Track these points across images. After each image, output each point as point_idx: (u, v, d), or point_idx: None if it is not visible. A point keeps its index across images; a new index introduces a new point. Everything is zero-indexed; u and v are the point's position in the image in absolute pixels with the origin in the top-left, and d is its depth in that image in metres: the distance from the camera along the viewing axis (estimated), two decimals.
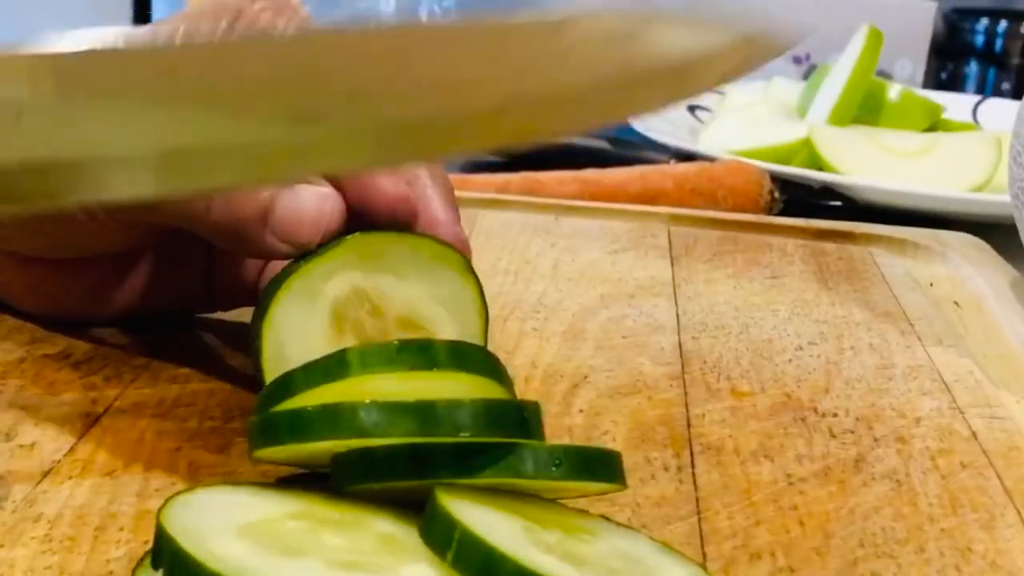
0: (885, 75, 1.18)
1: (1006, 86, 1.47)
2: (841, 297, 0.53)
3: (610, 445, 0.37)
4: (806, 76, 1.12)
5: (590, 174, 0.71)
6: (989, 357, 0.47)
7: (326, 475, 0.29)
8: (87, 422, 0.36)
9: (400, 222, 0.37)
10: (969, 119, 1.01)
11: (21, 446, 0.34)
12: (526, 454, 0.27)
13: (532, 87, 0.31)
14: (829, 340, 0.48)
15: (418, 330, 0.35)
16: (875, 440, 0.39)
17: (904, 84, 0.97)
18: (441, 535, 0.25)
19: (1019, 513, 0.35)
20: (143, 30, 0.38)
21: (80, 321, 0.43)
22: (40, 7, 1.33)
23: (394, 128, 0.30)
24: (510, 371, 0.42)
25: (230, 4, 0.38)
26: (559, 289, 0.51)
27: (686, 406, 0.40)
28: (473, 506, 0.26)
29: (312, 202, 0.35)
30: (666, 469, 0.36)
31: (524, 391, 0.41)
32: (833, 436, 0.39)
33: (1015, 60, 1.47)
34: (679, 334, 0.47)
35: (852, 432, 0.39)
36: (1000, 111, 1.01)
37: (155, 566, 0.25)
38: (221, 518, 0.26)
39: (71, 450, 0.34)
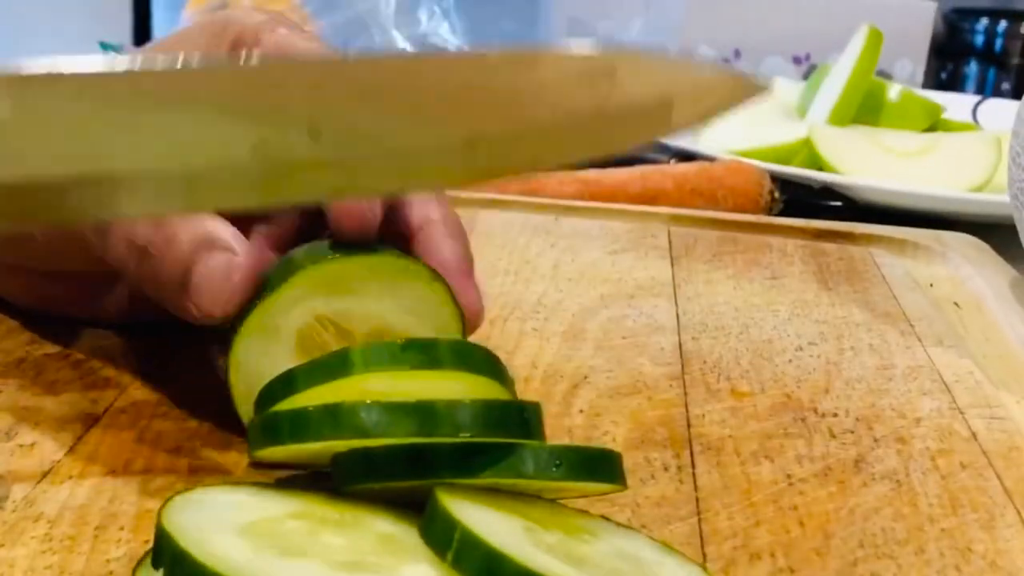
0: (885, 75, 1.18)
1: (1006, 86, 1.47)
2: (841, 297, 0.53)
3: (610, 445, 0.37)
4: (806, 76, 1.12)
5: (590, 174, 0.71)
6: (989, 357, 0.47)
7: (326, 475, 0.29)
8: (87, 422, 0.36)
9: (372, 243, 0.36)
10: (969, 119, 1.01)
11: (21, 446, 0.34)
12: (527, 454, 0.27)
13: (505, 121, 0.31)
14: (829, 340, 0.48)
15: (391, 338, 0.35)
16: (875, 440, 0.39)
17: (904, 84, 0.97)
18: (441, 535, 0.25)
19: (1019, 513, 0.35)
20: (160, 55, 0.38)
21: (79, 320, 0.43)
22: (40, 9, 1.33)
23: (374, 157, 0.30)
24: (510, 371, 0.42)
25: (231, 20, 0.38)
26: (559, 289, 0.51)
27: (686, 406, 0.40)
28: (473, 506, 0.26)
29: (219, 275, 0.34)
30: (666, 469, 0.36)
31: (524, 391, 0.41)
32: (833, 436, 0.39)
33: (1015, 60, 1.47)
34: (679, 334, 0.47)
35: (852, 432, 0.39)
36: (1000, 111, 1.01)
37: (155, 566, 0.25)
38: (221, 518, 0.26)
39: (71, 450, 0.34)
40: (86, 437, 0.35)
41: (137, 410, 0.37)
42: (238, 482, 0.33)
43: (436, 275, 0.35)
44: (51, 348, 0.41)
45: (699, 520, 0.33)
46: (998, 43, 1.48)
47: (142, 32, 1.29)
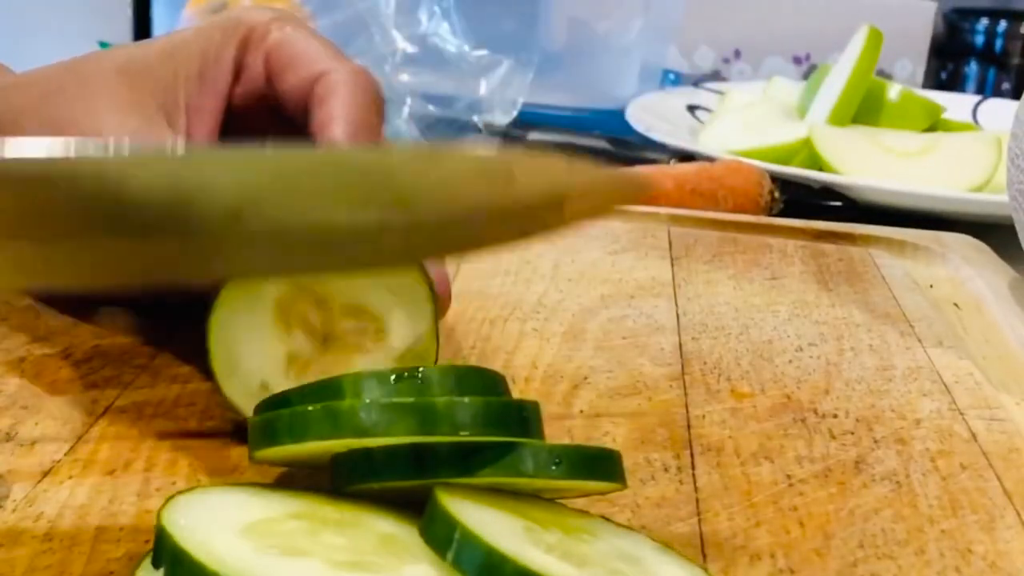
0: (885, 75, 1.18)
1: (1006, 86, 1.47)
2: (841, 298, 0.53)
3: (610, 446, 0.36)
4: (806, 76, 1.12)
5: None
6: (989, 359, 0.47)
7: (326, 475, 0.29)
8: (87, 422, 0.36)
9: None
10: (969, 119, 1.01)
11: (21, 446, 0.34)
12: (526, 453, 0.28)
13: (410, 213, 0.32)
14: (829, 341, 0.48)
15: (365, 315, 0.36)
16: (875, 441, 0.39)
17: (904, 84, 0.97)
18: (441, 535, 0.25)
19: (1019, 515, 0.35)
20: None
21: (84, 305, 0.44)
22: (40, 8, 1.33)
23: (286, 236, 0.31)
24: (510, 371, 0.42)
25: (241, 19, 0.40)
26: (559, 289, 0.51)
27: (686, 407, 0.40)
28: (473, 506, 0.26)
29: None
30: (666, 470, 0.36)
31: (524, 391, 0.41)
32: (833, 437, 0.39)
33: (1015, 60, 1.47)
34: (679, 335, 0.47)
35: (852, 433, 0.39)
36: (1000, 111, 1.01)
37: (155, 566, 0.25)
38: (221, 518, 0.26)
39: (71, 450, 0.34)
40: (86, 437, 0.35)
41: (137, 410, 0.37)
42: (238, 482, 0.33)
43: None
44: (51, 348, 0.41)
45: (699, 521, 0.33)
46: (998, 43, 1.48)
47: (142, 32, 1.28)
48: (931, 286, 0.56)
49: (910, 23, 1.25)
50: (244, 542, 0.25)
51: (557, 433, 0.38)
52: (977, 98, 1.06)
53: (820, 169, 0.80)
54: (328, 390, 0.29)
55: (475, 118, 0.90)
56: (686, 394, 0.41)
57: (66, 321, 0.43)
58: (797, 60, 1.23)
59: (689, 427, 0.39)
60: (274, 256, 0.31)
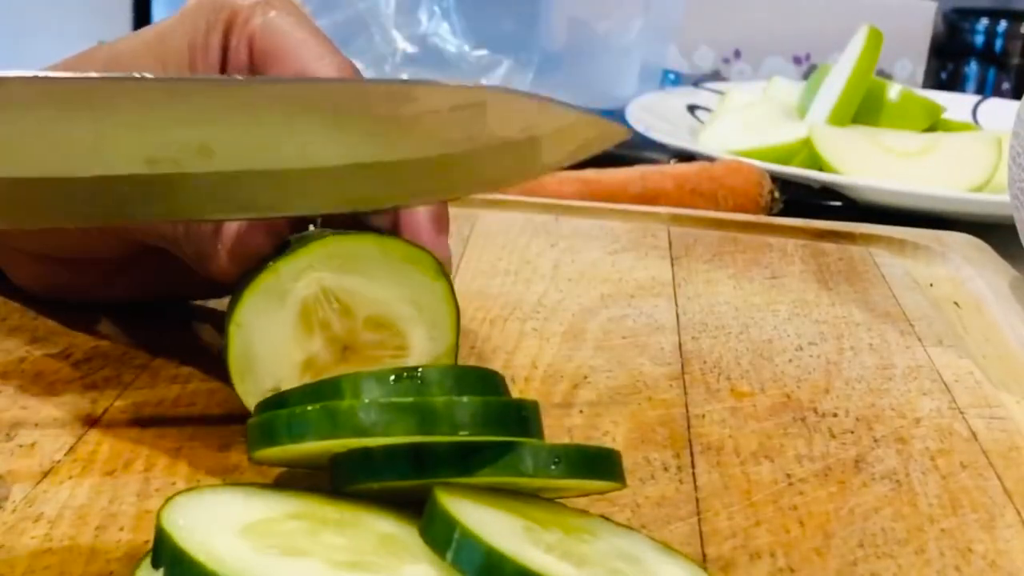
0: (885, 75, 1.18)
1: (1006, 86, 1.47)
2: (841, 297, 0.53)
3: (610, 445, 0.36)
4: (806, 76, 1.12)
5: (590, 174, 0.71)
6: (989, 358, 0.47)
7: (326, 475, 0.29)
8: (87, 422, 0.36)
9: (375, 225, 0.37)
10: (969, 119, 1.01)
11: (21, 446, 0.34)
12: (525, 453, 0.28)
13: (379, 152, 0.32)
14: (829, 340, 0.48)
15: (387, 329, 0.35)
16: (875, 440, 0.39)
17: (904, 84, 0.97)
18: (441, 535, 0.25)
19: (1019, 513, 0.35)
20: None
21: (86, 307, 0.44)
22: (40, 8, 1.33)
23: (244, 178, 0.31)
24: (510, 371, 0.42)
25: (225, 3, 0.39)
26: (559, 289, 0.51)
27: (686, 406, 0.40)
28: (473, 506, 0.26)
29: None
30: (666, 469, 0.36)
31: (524, 391, 0.41)
32: (833, 436, 0.39)
33: (1015, 60, 1.47)
34: (679, 334, 0.47)
35: (852, 432, 0.39)
36: (1000, 111, 1.01)
37: (155, 566, 0.25)
38: (221, 518, 0.26)
39: (71, 450, 0.34)
40: (86, 437, 0.35)
41: (137, 410, 0.37)
42: (238, 482, 0.33)
43: (441, 270, 0.36)
44: (51, 348, 0.41)
45: (699, 520, 0.33)
46: (998, 43, 1.48)
47: None
48: (931, 285, 0.56)
49: (910, 23, 1.25)
50: (243, 542, 0.25)
51: (557, 433, 0.38)
52: (977, 98, 1.06)
53: (820, 169, 0.80)
54: (327, 390, 0.29)
55: None
56: (686, 393, 0.41)
57: (66, 321, 0.43)
58: (797, 60, 1.23)
59: (689, 426, 0.39)
60: (238, 193, 0.30)
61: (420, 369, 0.29)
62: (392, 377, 0.29)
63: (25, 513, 0.31)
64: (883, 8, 1.19)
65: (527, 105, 0.35)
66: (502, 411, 0.28)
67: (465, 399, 0.28)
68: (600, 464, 0.29)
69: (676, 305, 0.50)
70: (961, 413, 0.41)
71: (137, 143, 0.30)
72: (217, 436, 0.36)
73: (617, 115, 0.91)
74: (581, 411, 0.39)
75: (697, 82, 1.13)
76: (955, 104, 0.99)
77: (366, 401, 0.28)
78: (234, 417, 0.36)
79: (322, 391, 0.29)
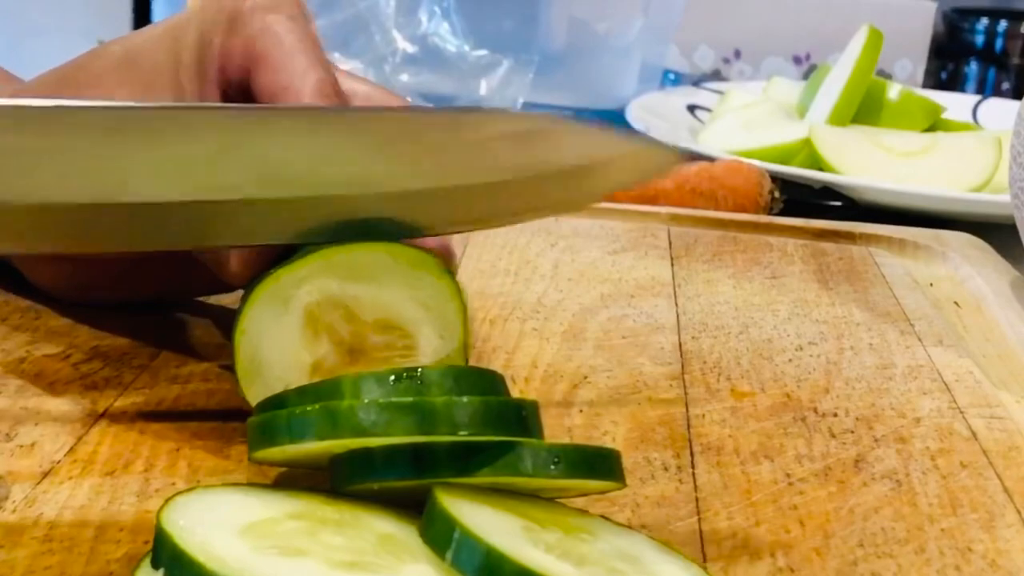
0: (885, 75, 1.18)
1: (1006, 86, 1.47)
2: (841, 297, 0.53)
3: (610, 445, 0.36)
4: (806, 76, 1.12)
5: None
6: (989, 357, 0.47)
7: (325, 475, 0.29)
8: (87, 422, 0.36)
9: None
10: (969, 119, 1.01)
11: (21, 446, 0.34)
12: (525, 453, 0.28)
13: (438, 177, 0.32)
14: (829, 340, 0.48)
15: (396, 331, 0.35)
16: (875, 440, 0.39)
17: (904, 84, 0.97)
18: (440, 534, 0.25)
19: (1019, 513, 0.35)
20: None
21: (105, 304, 0.44)
22: (40, 7, 1.33)
23: (309, 202, 0.31)
24: (510, 371, 0.42)
25: (229, 5, 0.39)
26: (559, 289, 0.51)
27: (686, 406, 0.40)
28: (472, 506, 0.26)
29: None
30: (666, 469, 0.36)
31: (524, 391, 0.41)
32: (833, 436, 0.39)
33: (1015, 60, 1.47)
34: (679, 334, 0.47)
35: (852, 432, 0.39)
36: (1000, 111, 1.01)
37: (155, 566, 0.25)
38: (221, 518, 0.26)
39: (71, 450, 0.34)
40: (86, 437, 0.35)
41: (137, 410, 0.37)
42: (238, 482, 0.33)
43: (446, 269, 0.35)
44: (51, 348, 0.41)
45: (699, 520, 0.33)
46: (998, 43, 1.48)
47: None
48: (931, 285, 0.56)
49: (910, 23, 1.25)
50: (243, 542, 0.25)
51: (557, 432, 0.38)
52: (977, 98, 1.06)
53: (820, 169, 0.80)
54: (327, 390, 0.29)
55: None
56: (686, 393, 0.41)
57: (66, 321, 0.43)
58: (797, 60, 1.23)
59: (689, 426, 0.39)
60: (299, 218, 0.30)
61: (420, 369, 0.29)
62: (392, 377, 0.29)
63: (25, 513, 0.31)
64: (883, 8, 1.19)
65: (584, 133, 0.35)
66: (502, 411, 0.28)
67: (465, 399, 0.28)
68: (600, 464, 0.29)
69: (676, 305, 0.50)
70: (961, 413, 0.41)
71: (200, 170, 0.30)
72: (217, 436, 0.36)
73: (617, 115, 0.91)
74: (581, 411, 0.39)
75: (697, 82, 1.13)
76: (955, 104, 0.99)
77: (366, 401, 0.28)
78: (234, 417, 0.36)
79: (322, 391, 0.29)
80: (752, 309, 0.51)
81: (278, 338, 0.34)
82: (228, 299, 0.46)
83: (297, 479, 0.33)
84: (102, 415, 0.37)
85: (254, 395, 0.34)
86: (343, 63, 0.94)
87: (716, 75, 1.22)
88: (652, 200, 0.68)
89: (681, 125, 0.95)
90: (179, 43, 0.38)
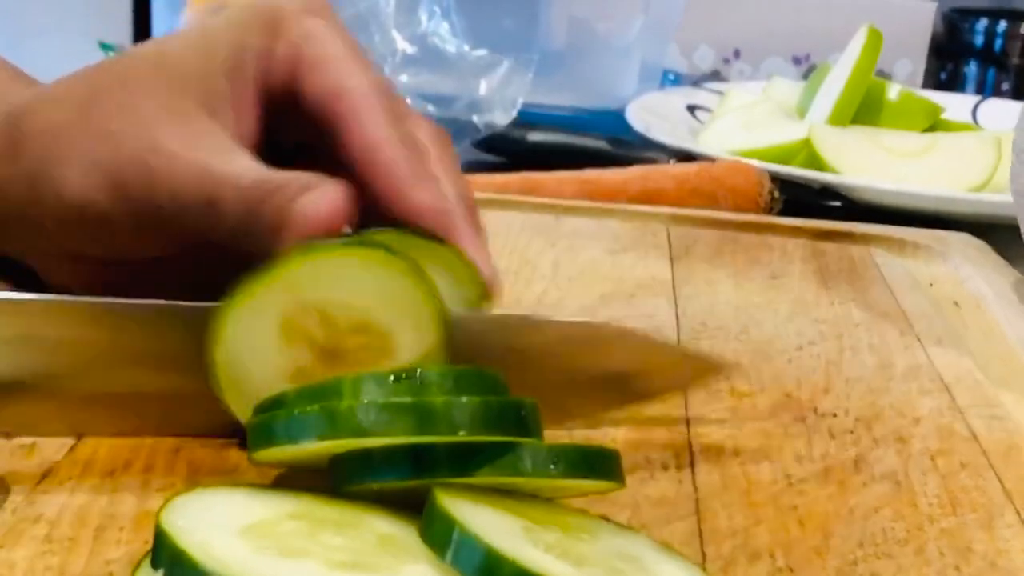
0: (885, 75, 1.18)
1: (1006, 86, 1.47)
2: (841, 297, 0.53)
3: (610, 445, 0.36)
4: (806, 76, 1.12)
5: (590, 174, 0.71)
6: (989, 357, 0.47)
7: (325, 475, 0.29)
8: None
9: (433, 234, 0.37)
10: (969, 119, 1.01)
11: (21, 446, 0.34)
12: (524, 453, 0.28)
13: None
14: (829, 340, 0.48)
15: (372, 334, 0.35)
16: (875, 440, 0.39)
17: (904, 84, 0.97)
18: (440, 535, 0.25)
19: (1018, 513, 0.35)
20: None
21: None
22: (40, 9, 1.33)
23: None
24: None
25: (271, 7, 0.39)
26: (559, 289, 0.51)
27: (686, 406, 0.40)
28: (472, 506, 0.26)
29: (325, 201, 0.35)
30: (666, 469, 0.36)
31: None
32: (833, 436, 0.39)
33: (1015, 60, 1.47)
34: (679, 334, 0.47)
35: (852, 432, 0.39)
36: (1000, 111, 1.01)
37: (155, 566, 0.25)
38: (221, 518, 0.26)
39: (71, 450, 0.34)
40: (86, 437, 0.35)
41: None
42: (237, 482, 0.33)
43: (419, 271, 0.34)
44: None
45: (699, 520, 0.33)
46: (998, 43, 1.48)
47: (142, 32, 1.28)
48: (931, 285, 0.56)
49: (910, 23, 1.25)
50: (243, 543, 0.25)
51: (556, 433, 0.38)
52: (977, 98, 1.06)
53: (820, 169, 0.80)
54: (326, 391, 0.29)
55: (475, 118, 0.89)
56: (686, 393, 0.41)
57: None
58: (797, 60, 1.23)
59: (689, 426, 0.39)
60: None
61: (419, 370, 0.29)
62: (391, 378, 0.29)
63: (25, 514, 0.31)
64: (883, 8, 1.19)
65: (629, 341, 0.38)
66: (501, 411, 0.28)
67: (464, 399, 0.28)
68: (599, 464, 0.29)
69: (676, 305, 0.50)
70: (961, 413, 0.41)
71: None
72: (217, 436, 0.36)
73: (617, 115, 0.91)
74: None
75: (697, 82, 1.13)
76: (955, 104, 0.99)
77: (365, 402, 0.28)
78: (234, 418, 0.36)
79: (321, 392, 0.29)
80: (752, 309, 0.51)
81: (255, 346, 0.33)
82: None
83: (297, 479, 0.33)
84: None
85: (236, 403, 0.33)
86: None
87: (716, 75, 1.22)
88: (652, 200, 0.68)
89: (681, 125, 0.94)
90: (212, 47, 0.39)
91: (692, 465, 0.36)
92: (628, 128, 0.88)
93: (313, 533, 0.26)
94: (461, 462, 0.27)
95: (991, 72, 1.49)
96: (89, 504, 0.31)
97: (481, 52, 0.97)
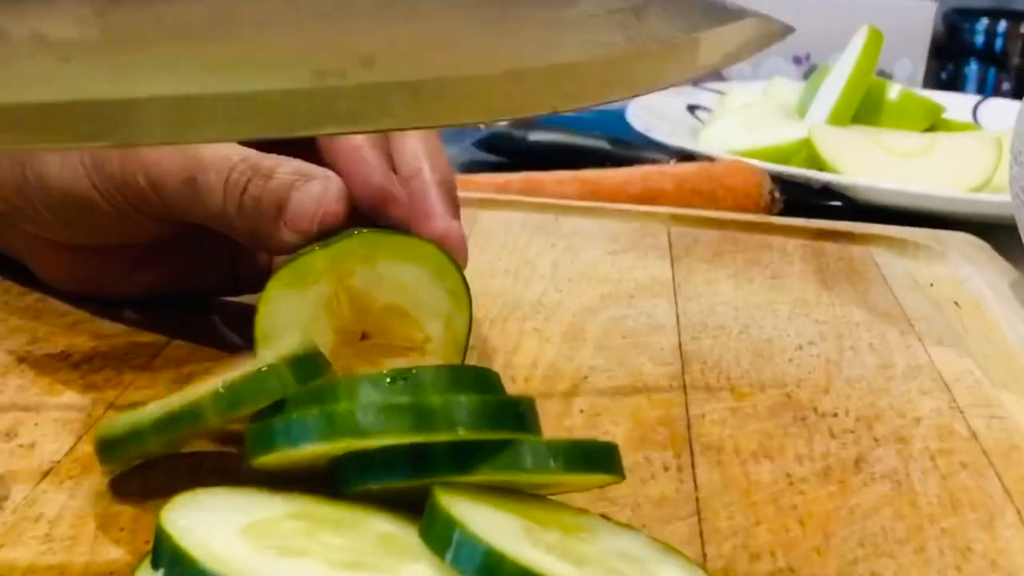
0: (885, 75, 1.18)
1: (1006, 86, 1.47)
2: (841, 297, 0.53)
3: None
4: (806, 76, 1.12)
5: (590, 174, 0.71)
6: (989, 357, 0.47)
7: (325, 476, 0.29)
8: (87, 422, 0.36)
9: (377, 212, 0.39)
10: (969, 119, 1.01)
11: (21, 446, 0.34)
12: (524, 449, 0.28)
13: (540, 56, 0.32)
14: (829, 340, 0.48)
15: (404, 319, 0.37)
16: (875, 440, 0.39)
17: (904, 84, 0.97)
18: (440, 535, 0.25)
19: (1019, 513, 0.35)
20: None
21: (112, 299, 0.44)
22: None
23: (404, 89, 0.32)
24: (510, 371, 0.42)
25: None
26: (559, 289, 0.51)
27: (686, 406, 0.40)
28: (472, 505, 0.26)
29: (316, 192, 0.38)
30: (666, 469, 0.36)
31: (524, 391, 0.41)
32: (833, 436, 0.39)
33: (1015, 60, 1.47)
34: (679, 334, 0.47)
35: (852, 432, 0.39)
36: (1000, 111, 1.01)
37: (155, 566, 0.25)
38: (221, 518, 0.26)
39: (71, 450, 0.34)
40: (86, 437, 0.35)
41: None
42: (238, 482, 0.33)
43: (453, 262, 0.38)
44: (51, 348, 0.41)
45: (699, 520, 0.33)
46: (998, 43, 1.48)
47: None
48: (931, 285, 0.56)
49: (910, 23, 1.25)
50: (243, 542, 0.25)
51: (557, 433, 0.38)
52: (977, 98, 1.06)
53: (820, 169, 0.80)
54: (323, 394, 0.29)
55: None
56: (686, 393, 0.41)
57: (66, 321, 0.43)
58: (797, 60, 1.23)
59: (689, 426, 0.39)
60: (402, 105, 0.31)
61: (415, 370, 0.29)
62: (388, 379, 0.29)
63: (25, 513, 0.31)
64: (883, 8, 1.20)
65: (685, 10, 0.35)
66: (499, 409, 0.28)
67: (462, 398, 0.28)
68: (598, 457, 0.29)
69: (676, 305, 0.50)
70: (961, 412, 0.41)
71: (303, 55, 0.31)
72: (217, 436, 0.36)
73: (617, 115, 0.91)
74: (581, 411, 0.39)
75: (697, 82, 1.13)
76: (955, 104, 0.99)
77: (363, 403, 0.28)
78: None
79: (318, 395, 0.29)
80: (752, 309, 0.51)
81: (297, 313, 0.36)
82: (231, 298, 0.46)
83: (296, 479, 0.33)
84: (102, 415, 0.37)
85: (266, 349, 0.35)
86: None
87: (716, 75, 1.22)
88: (652, 200, 0.68)
89: (681, 125, 0.95)
90: None
91: (692, 465, 0.36)
92: (628, 128, 0.88)
93: (313, 533, 0.26)
94: (460, 461, 0.27)
95: (991, 72, 1.49)
96: (89, 504, 0.31)
97: None
